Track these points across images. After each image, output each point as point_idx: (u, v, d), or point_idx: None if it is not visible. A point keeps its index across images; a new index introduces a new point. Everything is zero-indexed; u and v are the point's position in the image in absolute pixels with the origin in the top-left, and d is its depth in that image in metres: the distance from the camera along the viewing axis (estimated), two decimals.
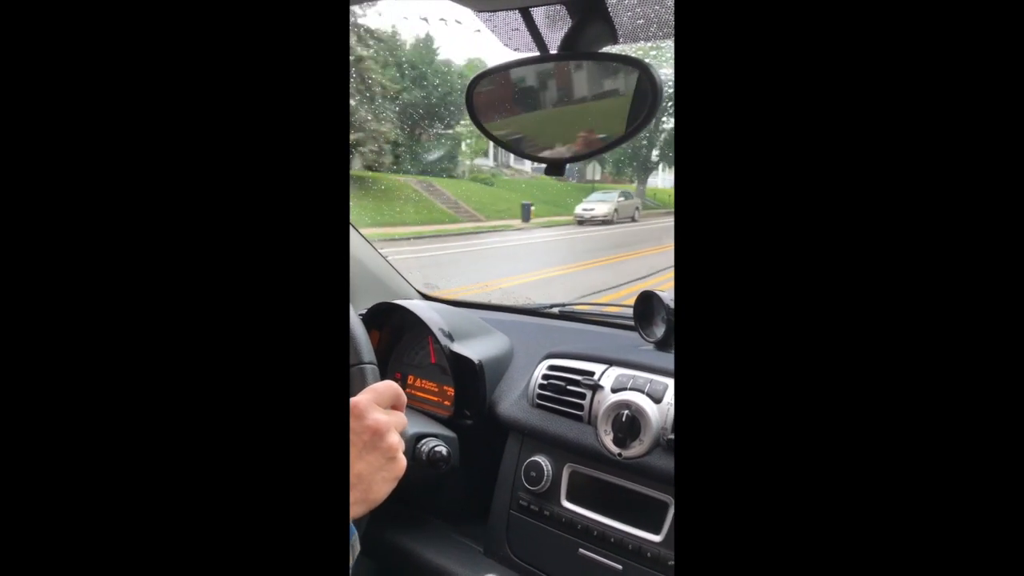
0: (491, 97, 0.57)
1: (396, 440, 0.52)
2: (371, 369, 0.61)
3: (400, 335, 1.03)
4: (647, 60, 0.49)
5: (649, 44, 0.59)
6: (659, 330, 0.93)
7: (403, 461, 0.53)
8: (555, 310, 1.24)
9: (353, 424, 0.51)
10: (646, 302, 0.96)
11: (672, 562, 0.64)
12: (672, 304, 0.90)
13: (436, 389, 0.97)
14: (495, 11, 0.55)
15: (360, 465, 0.50)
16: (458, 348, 0.88)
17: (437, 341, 0.90)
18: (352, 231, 1.15)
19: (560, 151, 0.55)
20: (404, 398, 0.57)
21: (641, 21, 0.54)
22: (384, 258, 1.20)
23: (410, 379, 1.01)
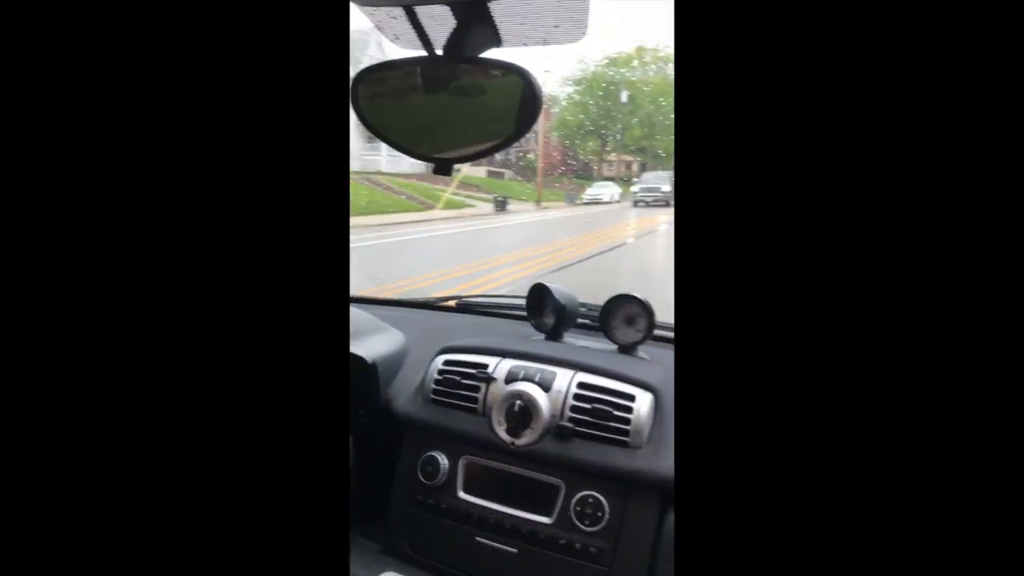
0: (376, 94, 0.56)
1: None
2: None
3: None
4: (529, 65, 0.52)
5: (531, 48, 0.61)
6: (549, 320, 0.97)
7: None
8: (452, 302, 1.25)
9: None
10: (538, 294, 1.00)
11: (563, 540, 0.68)
12: (560, 295, 0.94)
13: None
14: (377, 6, 0.55)
15: None
16: (351, 348, 0.86)
17: None
18: None
19: (447, 151, 0.55)
20: None
21: (523, 26, 0.56)
22: None
23: None
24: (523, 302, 1.01)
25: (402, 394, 0.85)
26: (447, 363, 0.82)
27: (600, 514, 0.67)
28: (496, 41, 0.57)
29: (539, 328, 0.99)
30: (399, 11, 0.56)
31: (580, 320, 1.01)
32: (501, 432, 0.72)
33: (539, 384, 0.73)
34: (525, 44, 0.60)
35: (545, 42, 0.58)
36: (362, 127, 0.55)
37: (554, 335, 0.96)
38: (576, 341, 0.96)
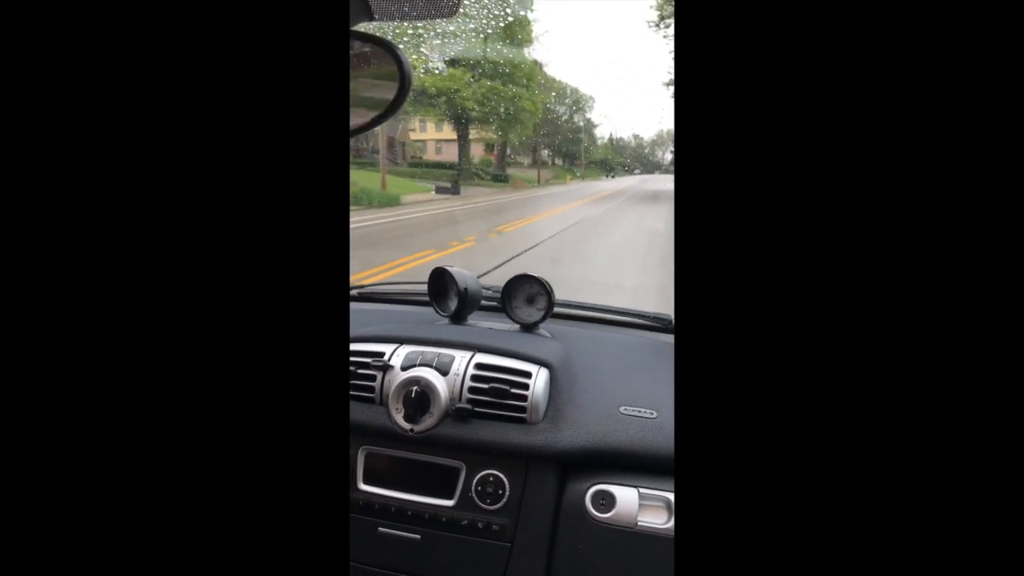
0: None
1: None
2: None
3: None
4: (406, 40, 0.50)
5: (408, 25, 0.60)
6: (452, 304, 0.96)
7: None
8: (354, 292, 1.21)
9: None
10: (439, 279, 0.99)
11: (465, 521, 0.68)
12: (461, 278, 0.94)
13: None
14: None
15: None
16: None
17: None
18: None
19: None
20: None
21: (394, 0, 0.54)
22: None
23: None
24: (425, 287, 1.00)
25: None
26: None
27: (501, 491, 0.68)
28: (367, 14, 0.55)
29: (442, 312, 0.98)
30: None
31: (485, 302, 1.02)
32: (399, 419, 0.71)
33: (436, 368, 0.72)
34: (397, 19, 0.58)
35: (418, 17, 0.56)
36: None
37: (457, 318, 0.96)
38: (480, 323, 0.97)
